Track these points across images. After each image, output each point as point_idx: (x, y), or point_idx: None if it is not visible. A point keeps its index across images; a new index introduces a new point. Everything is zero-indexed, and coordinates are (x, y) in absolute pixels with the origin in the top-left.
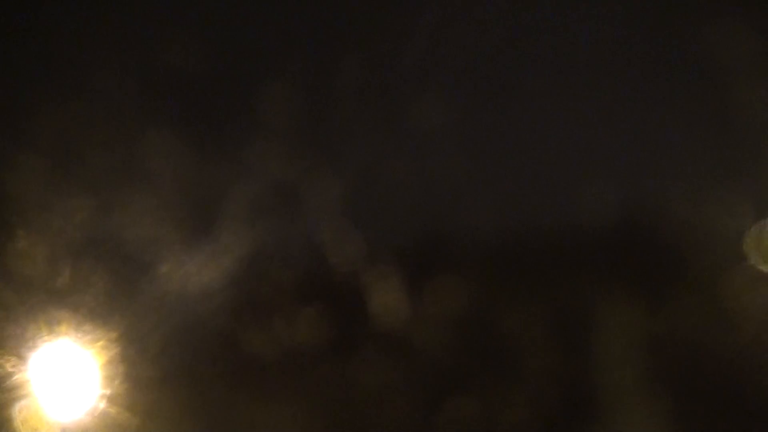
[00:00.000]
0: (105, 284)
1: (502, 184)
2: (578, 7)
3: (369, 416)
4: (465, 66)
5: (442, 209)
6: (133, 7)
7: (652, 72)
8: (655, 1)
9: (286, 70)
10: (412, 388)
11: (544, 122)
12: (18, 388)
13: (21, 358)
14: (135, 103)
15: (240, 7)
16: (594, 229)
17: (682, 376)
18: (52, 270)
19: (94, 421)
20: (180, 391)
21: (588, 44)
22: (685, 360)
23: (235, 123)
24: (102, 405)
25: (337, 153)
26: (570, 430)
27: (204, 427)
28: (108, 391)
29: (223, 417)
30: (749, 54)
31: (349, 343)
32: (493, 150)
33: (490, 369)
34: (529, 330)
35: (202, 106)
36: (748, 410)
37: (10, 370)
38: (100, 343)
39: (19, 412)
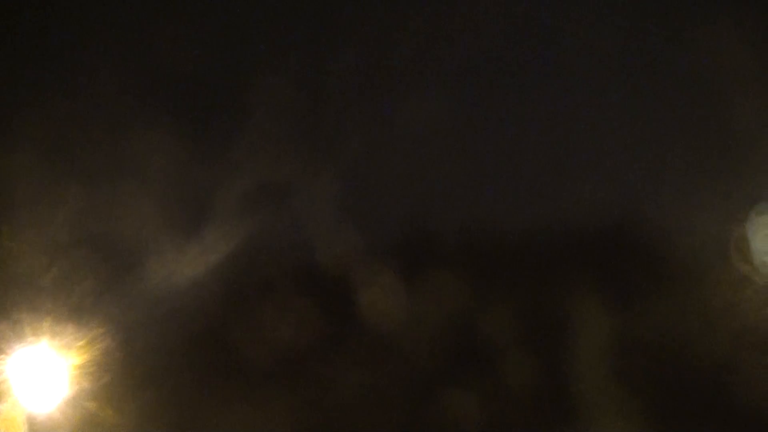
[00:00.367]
0: (86, 284)
1: (493, 183)
2: (575, 11)
3: (358, 411)
4: (457, 65)
5: (431, 207)
6: (126, 7)
7: (644, 76)
8: (652, 6)
9: (280, 68)
10: (399, 382)
11: (535, 123)
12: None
13: (2, 356)
14: (129, 100)
15: (235, 5)
16: (583, 229)
17: (664, 375)
18: (34, 269)
19: (71, 415)
20: (159, 388)
21: (580, 47)
22: (668, 358)
23: (229, 120)
24: (80, 401)
25: (330, 150)
26: (557, 425)
27: (181, 422)
28: (86, 387)
29: (200, 413)
30: (740, 60)
31: (336, 339)
32: (484, 149)
33: (478, 365)
34: (516, 326)
35: (195, 102)
36: (729, 408)
37: None
38: (80, 341)
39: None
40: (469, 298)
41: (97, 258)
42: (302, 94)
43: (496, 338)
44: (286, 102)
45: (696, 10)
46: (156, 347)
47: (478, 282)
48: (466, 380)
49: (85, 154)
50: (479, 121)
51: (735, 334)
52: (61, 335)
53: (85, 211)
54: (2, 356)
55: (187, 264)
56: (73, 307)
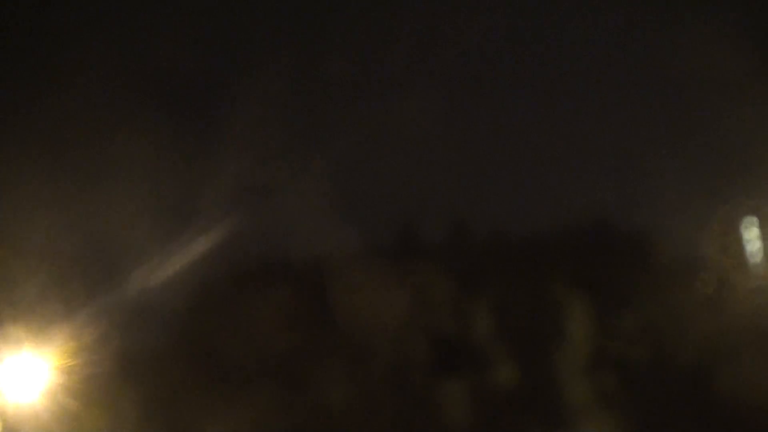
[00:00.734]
0: (66, 289)
1: (487, 182)
2: (572, 13)
3: (349, 412)
4: (451, 66)
5: (424, 206)
6: (118, 8)
7: (640, 78)
8: (648, 10)
9: (273, 68)
10: (389, 381)
11: (528, 123)
12: None
13: None
14: (120, 100)
15: (230, 5)
16: (576, 228)
17: (654, 373)
18: (18, 272)
19: (48, 412)
20: (139, 387)
21: (576, 49)
22: (660, 356)
23: (220, 120)
24: (58, 397)
25: (323, 149)
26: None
27: (162, 420)
28: (65, 385)
29: (181, 412)
30: (735, 63)
31: (326, 338)
32: (475, 149)
33: (469, 363)
34: (507, 323)
35: (187, 102)
36: (715, 408)
37: None
38: (61, 342)
39: None
40: (461, 296)
41: (81, 261)
42: (295, 93)
43: (486, 337)
44: (279, 101)
45: (693, 14)
46: (137, 347)
47: (470, 280)
48: (456, 378)
49: (70, 162)
50: (471, 121)
51: (725, 331)
52: (44, 336)
53: (69, 214)
54: None
55: (171, 265)
56: (55, 309)
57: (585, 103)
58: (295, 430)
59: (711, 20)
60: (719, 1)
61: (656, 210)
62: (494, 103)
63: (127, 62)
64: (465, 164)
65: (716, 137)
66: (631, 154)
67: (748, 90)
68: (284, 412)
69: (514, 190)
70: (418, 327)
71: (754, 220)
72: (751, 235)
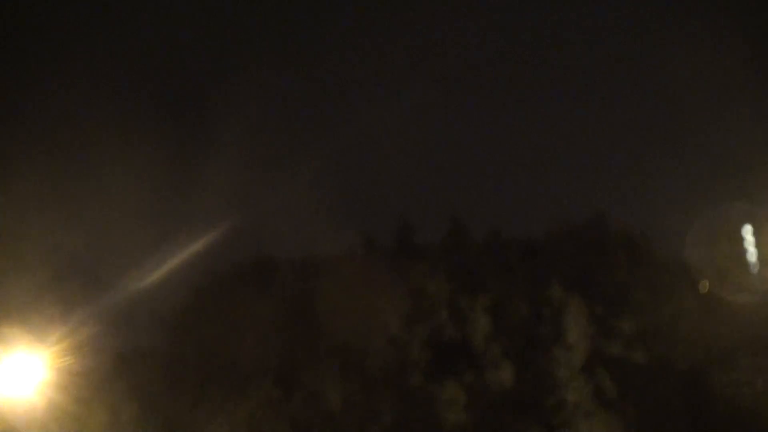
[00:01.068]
0: (62, 289)
1: (482, 183)
2: (572, 16)
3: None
4: (450, 67)
5: (419, 206)
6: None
7: (641, 80)
8: (650, 11)
9: (270, 70)
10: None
11: (529, 125)
12: None
13: None
14: (116, 103)
15: (226, 8)
16: (576, 230)
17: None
18: (15, 273)
19: (45, 407)
20: (126, 386)
21: (576, 51)
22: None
23: (215, 121)
24: (54, 394)
25: (323, 149)
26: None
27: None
28: (60, 383)
29: (172, 413)
30: (734, 65)
31: (323, 341)
32: (474, 149)
33: (467, 363)
34: (502, 324)
35: (184, 102)
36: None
37: None
38: (57, 341)
39: None
40: (459, 296)
41: (77, 261)
42: (294, 94)
43: (484, 337)
44: (277, 102)
45: (694, 17)
46: (132, 346)
47: (467, 281)
48: (454, 379)
49: (66, 164)
50: (471, 122)
51: (724, 334)
52: (40, 334)
53: (66, 215)
54: None
55: (167, 265)
56: (51, 309)
57: (586, 106)
58: (292, 430)
59: (711, 24)
60: (721, 2)
61: (657, 213)
62: (494, 105)
63: (125, 66)
64: (463, 165)
65: (719, 141)
66: (632, 156)
67: (752, 94)
68: (280, 412)
69: (514, 192)
70: (416, 327)
71: (756, 224)
72: (752, 239)
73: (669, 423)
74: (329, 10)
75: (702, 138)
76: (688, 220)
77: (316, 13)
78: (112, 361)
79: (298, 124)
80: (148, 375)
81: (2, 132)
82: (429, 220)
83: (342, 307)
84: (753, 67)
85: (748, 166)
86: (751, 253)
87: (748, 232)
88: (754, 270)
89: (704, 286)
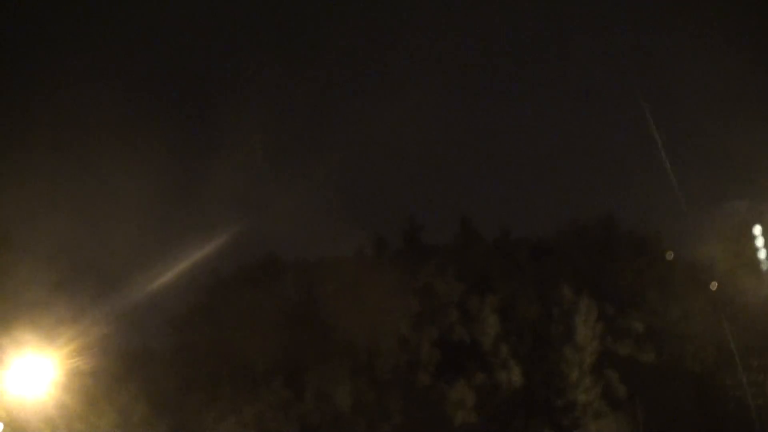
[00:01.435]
0: (70, 292)
1: (491, 184)
2: (576, 17)
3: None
4: (456, 68)
5: (427, 206)
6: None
7: (644, 82)
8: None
9: (275, 71)
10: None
11: (535, 125)
12: None
13: None
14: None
15: (230, 7)
16: (584, 230)
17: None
18: (26, 277)
19: (53, 406)
20: (134, 386)
21: (582, 53)
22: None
23: (220, 121)
24: (63, 395)
25: (329, 150)
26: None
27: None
28: (69, 384)
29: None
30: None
31: (331, 341)
32: (481, 148)
33: (475, 362)
34: (511, 324)
35: (189, 103)
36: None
37: None
38: (65, 342)
39: None
40: (468, 297)
41: (86, 263)
42: (301, 96)
43: (491, 337)
44: (283, 104)
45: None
46: (140, 347)
47: (476, 281)
48: (463, 379)
49: (75, 168)
50: (478, 124)
51: (734, 334)
52: (49, 336)
53: (78, 218)
54: None
55: (175, 267)
56: (61, 311)
57: (595, 107)
58: (302, 430)
59: (719, 25)
60: (731, 3)
61: (667, 213)
62: (504, 106)
63: (136, 73)
64: (473, 166)
65: (729, 142)
66: (642, 157)
67: (762, 95)
68: (290, 412)
69: (523, 192)
70: (425, 327)
71: (766, 224)
72: (762, 238)
73: (679, 423)
74: (339, 13)
75: (712, 138)
76: (698, 220)
77: (325, 15)
78: (123, 361)
79: (306, 126)
80: (158, 375)
81: (14, 135)
82: (438, 221)
83: (351, 307)
84: (762, 68)
85: (759, 167)
86: (762, 252)
87: (758, 231)
88: (765, 269)
89: (714, 286)
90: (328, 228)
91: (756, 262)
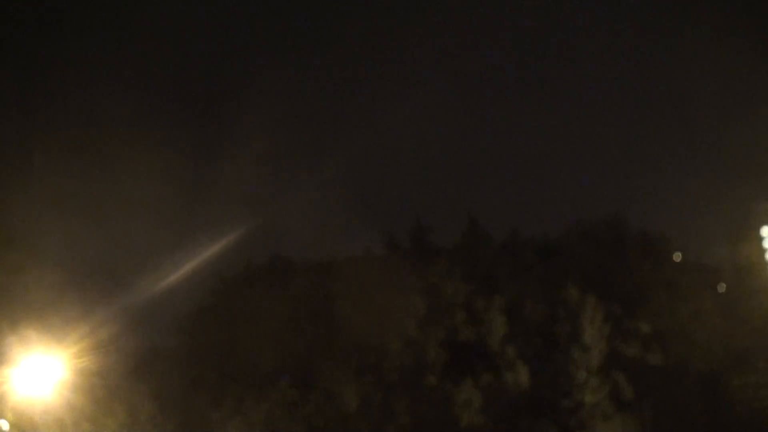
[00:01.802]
0: (79, 291)
1: (500, 184)
2: (579, 19)
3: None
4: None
5: (435, 207)
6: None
7: (648, 84)
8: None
9: (282, 71)
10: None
11: (543, 125)
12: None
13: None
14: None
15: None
16: (593, 231)
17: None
18: (35, 277)
19: (61, 405)
20: (142, 386)
21: (590, 54)
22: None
23: (225, 121)
24: (71, 394)
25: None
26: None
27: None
28: (75, 381)
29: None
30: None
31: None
32: (488, 149)
33: (480, 362)
34: (518, 324)
35: (196, 103)
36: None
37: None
38: (73, 342)
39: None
40: (476, 297)
41: (94, 263)
42: (307, 96)
43: (498, 337)
44: (290, 104)
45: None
46: (148, 347)
47: (484, 282)
48: (471, 380)
49: (83, 170)
50: (485, 124)
51: (742, 335)
52: (58, 335)
53: (87, 217)
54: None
55: (182, 267)
56: (69, 310)
57: (604, 107)
58: (309, 430)
59: (731, 25)
60: (741, 3)
61: (674, 213)
62: (511, 107)
63: (145, 73)
64: (480, 166)
65: (737, 142)
66: (650, 157)
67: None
68: (297, 413)
69: (531, 192)
70: (432, 328)
71: None
72: None
73: (686, 425)
74: (348, 12)
75: (720, 139)
76: (706, 220)
77: (335, 15)
78: (131, 361)
79: (315, 126)
80: (166, 375)
81: (23, 136)
82: (446, 221)
83: (359, 307)
84: None
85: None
86: None
87: (766, 232)
88: None
89: (722, 287)
90: (335, 228)
91: (764, 263)
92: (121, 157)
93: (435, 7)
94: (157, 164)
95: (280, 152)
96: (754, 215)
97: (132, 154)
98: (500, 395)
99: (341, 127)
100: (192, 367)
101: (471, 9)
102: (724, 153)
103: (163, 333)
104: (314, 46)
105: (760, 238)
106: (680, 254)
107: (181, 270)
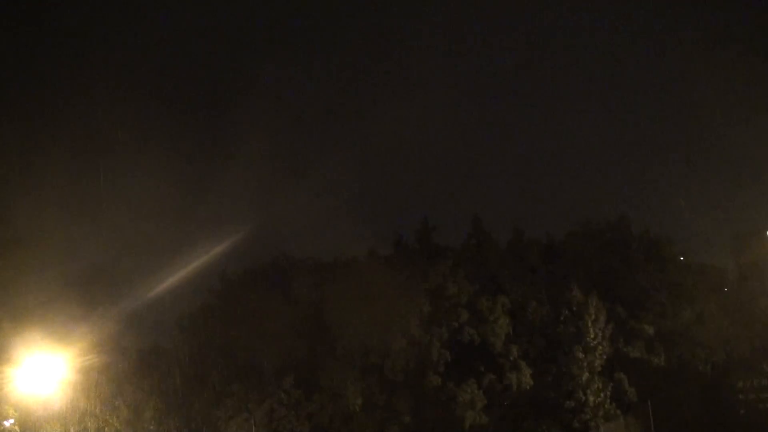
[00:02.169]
0: (82, 290)
1: (505, 185)
2: (583, 25)
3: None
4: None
5: (440, 207)
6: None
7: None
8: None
9: (286, 71)
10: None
11: (548, 126)
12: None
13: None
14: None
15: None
16: (597, 234)
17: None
18: (41, 276)
19: (64, 403)
20: (145, 384)
21: (595, 57)
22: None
23: (230, 123)
24: (72, 391)
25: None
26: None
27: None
28: (78, 380)
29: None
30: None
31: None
32: (493, 150)
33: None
34: (522, 325)
35: (199, 103)
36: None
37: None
38: (76, 340)
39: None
40: (481, 298)
41: (97, 263)
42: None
43: (502, 338)
44: (295, 104)
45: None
46: (151, 346)
47: (489, 282)
48: (476, 380)
49: (89, 170)
50: (491, 124)
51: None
52: (61, 334)
53: (91, 217)
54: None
55: (188, 266)
56: (73, 309)
57: (609, 109)
58: (312, 429)
59: (735, 30)
60: (748, 8)
61: (679, 215)
62: (517, 109)
63: (149, 75)
64: (485, 167)
65: (742, 145)
66: (655, 159)
67: None
68: (300, 412)
69: (535, 194)
70: (436, 328)
71: None
72: None
73: (689, 426)
74: (355, 13)
75: (725, 141)
76: (710, 222)
77: (341, 17)
78: (134, 359)
79: (319, 127)
80: (170, 374)
81: (26, 137)
82: (450, 222)
83: (362, 307)
84: None
85: None
86: None
87: None
88: None
89: (726, 289)
90: (340, 229)
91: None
92: (125, 158)
93: (439, 8)
94: (161, 165)
95: (283, 153)
96: (758, 217)
97: (136, 155)
98: (504, 395)
99: (346, 128)
100: (195, 366)
101: (477, 10)
102: (729, 155)
103: (167, 332)
104: (320, 46)
105: (765, 241)
106: (684, 256)
107: (185, 269)
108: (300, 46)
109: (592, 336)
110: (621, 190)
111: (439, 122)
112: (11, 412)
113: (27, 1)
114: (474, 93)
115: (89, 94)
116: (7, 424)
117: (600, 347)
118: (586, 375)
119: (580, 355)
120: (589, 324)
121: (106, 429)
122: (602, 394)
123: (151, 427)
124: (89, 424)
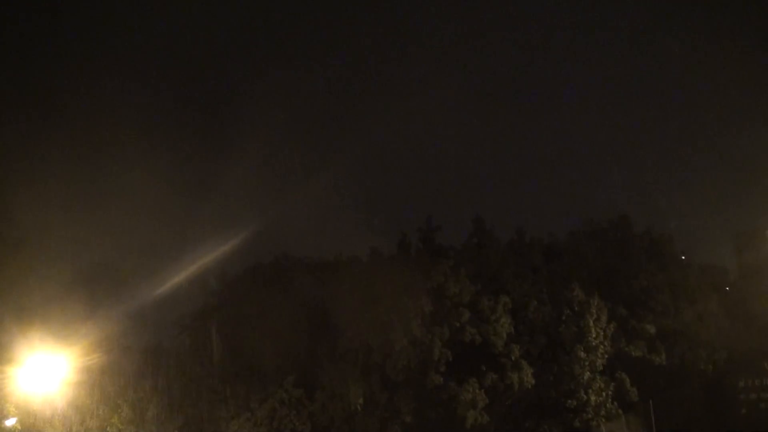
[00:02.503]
0: (85, 289)
1: (508, 185)
2: (585, 26)
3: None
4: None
5: (442, 207)
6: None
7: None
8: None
9: (290, 70)
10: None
11: (550, 126)
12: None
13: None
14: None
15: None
16: (600, 233)
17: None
18: (43, 275)
19: (66, 403)
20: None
21: (599, 58)
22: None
23: (233, 122)
24: (74, 391)
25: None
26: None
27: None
28: (80, 379)
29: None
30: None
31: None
32: (495, 150)
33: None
34: (524, 325)
35: (202, 102)
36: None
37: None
38: (76, 341)
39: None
40: (482, 297)
41: (100, 262)
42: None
43: (503, 337)
44: (298, 103)
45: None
46: (154, 345)
47: (491, 281)
48: (477, 380)
49: (91, 170)
50: (493, 124)
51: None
52: (63, 334)
53: (94, 217)
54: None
55: (190, 266)
56: (76, 308)
57: (611, 108)
58: (314, 429)
59: (740, 30)
60: (753, 9)
61: (681, 215)
62: (518, 109)
63: (151, 75)
64: (487, 167)
65: (745, 144)
66: (657, 158)
67: None
68: (302, 411)
69: (537, 193)
70: (438, 328)
71: None
72: None
73: (690, 425)
74: (357, 16)
75: (728, 141)
76: (711, 222)
77: (344, 19)
78: (136, 359)
79: (322, 127)
80: (172, 373)
81: (30, 138)
82: (452, 222)
83: (364, 307)
84: None
85: None
86: None
87: None
88: None
89: (727, 288)
90: (341, 228)
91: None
92: (127, 158)
93: (440, 10)
94: (165, 165)
95: (286, 153)
96: (760, 216)
97: (139, 156)
98: (505, 395)
99: (348, 129)
100: (197, 365)
101: (478, 11)
102: (731, 155)
103: (169, 332)
104: (323, 48)
105: (766, 240)
106: (685, 256)
107: (188, 269)
108: (303, 46)
109: (593, 335)
110: (622, 190)
111: (442, 123)
112: (13, 411)
113: (28, 2)
114: (475, 93)
115: (92, 95)
116: (9, 423)
117: (601, 346)
118: (587, 374)
119: (582, 355)
120: (591, 323)
121: (108, 428)
122: (604, 394)
123: (153, 427)
124: (91, 423)
